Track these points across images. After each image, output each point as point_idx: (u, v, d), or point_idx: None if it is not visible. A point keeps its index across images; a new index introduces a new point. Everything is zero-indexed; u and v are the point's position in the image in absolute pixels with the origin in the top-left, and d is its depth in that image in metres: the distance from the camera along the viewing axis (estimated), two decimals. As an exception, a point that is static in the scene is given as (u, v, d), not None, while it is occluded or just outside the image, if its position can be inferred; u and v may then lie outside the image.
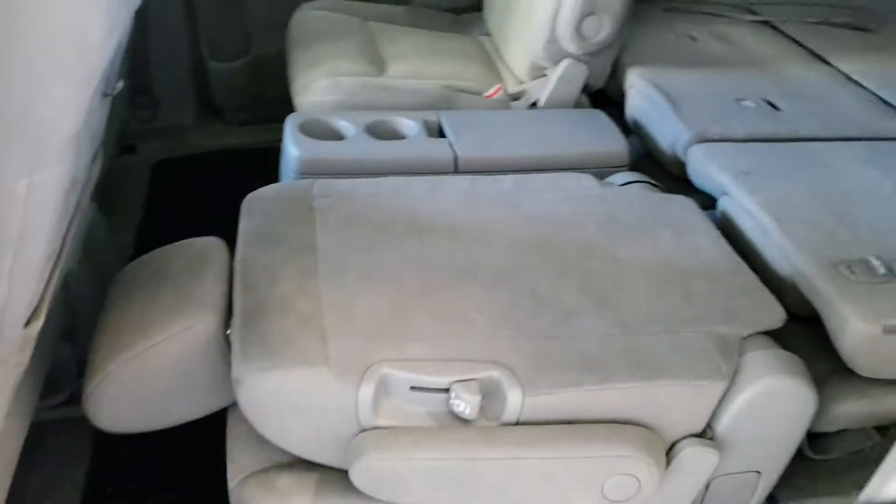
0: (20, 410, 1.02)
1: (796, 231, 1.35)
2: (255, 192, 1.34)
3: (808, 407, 1.12)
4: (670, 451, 1.09)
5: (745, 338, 1.14)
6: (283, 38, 2.16)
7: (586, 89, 1.91)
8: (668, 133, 1.72)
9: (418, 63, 1.94)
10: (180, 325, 1.07)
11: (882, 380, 1.24)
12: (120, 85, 1.13)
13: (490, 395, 1.02)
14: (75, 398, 1.15)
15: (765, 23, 2.27)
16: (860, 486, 1.33)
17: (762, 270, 1.32)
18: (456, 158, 1.58)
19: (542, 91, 1.87)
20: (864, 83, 1.95)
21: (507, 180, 1.44)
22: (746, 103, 1.79)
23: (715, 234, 1.35)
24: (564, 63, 1.82)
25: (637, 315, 1.15)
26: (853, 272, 1.26)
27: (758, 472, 1.18)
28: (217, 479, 1.12)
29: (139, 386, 1.08)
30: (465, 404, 1.01)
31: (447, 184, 1.41)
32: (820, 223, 1.37)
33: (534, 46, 1.84)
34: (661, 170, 1.78)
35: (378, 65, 1.92)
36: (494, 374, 1.02)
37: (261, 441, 1.07)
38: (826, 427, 1.25)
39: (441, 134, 1.68)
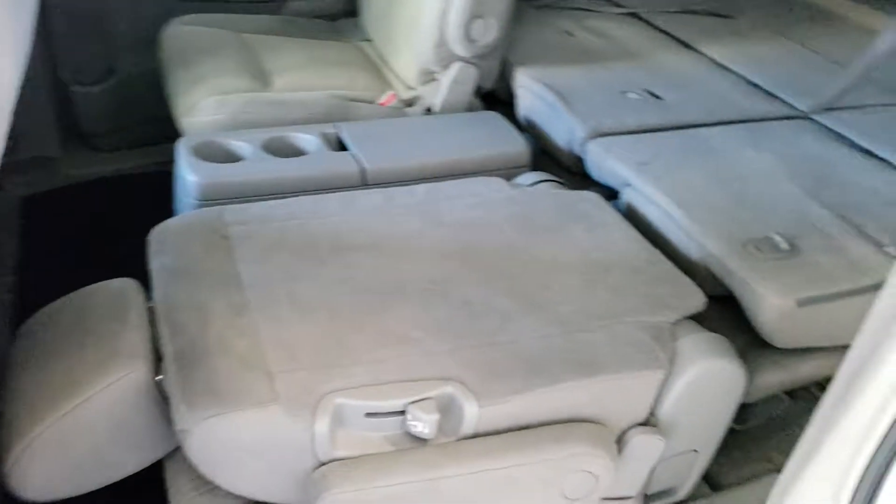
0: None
1: (702, 215, 1.41)
2: (160, 225, 1.26)
3: (740, 383, 1.18)
4: (619, 442, 1.12)
5: (673, 324, 1.18)
6: (151, 56, 2.05)
7: (477, 91, 1.92)
8: (563, 130, 1.76)
9: (304, 74, 1.90)
10: (111, 377, 1.00)
11: (794, 349, 1.32)
12: None
13: (446, 410, 1.01)
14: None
15: (632, 14, 2.37)
16: (780, 449, 1.42)
17: (672, 256, 1.38)
18: (363, 171, 1.56)
19: (436, 96, 1.87)
20: (732, 67, 2.07)
21: (420, 190, 1.43)
22: (631, 95, 1.86)
23: (625, 226, 1.40)
24: (455, 67, 1.83)
25: (570, 313, 1.17)
26: (759, 250, 1.33)
27: (695, 450, 1.23)
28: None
29: (69, 448, 0.99)
30: (422, 424, 0.99)
31: (361, 199, 1.39)
32: (722, 206, 1.45)
33: (423, 51, 1.83)
34: (557, 166, 1.82)
35: (263, 79, 1.85)
36: (448, 389, 1.01)
37: (209, 489, 1.02)
38: (748, 399, 1.32)
39: (342, 146, 1.64)
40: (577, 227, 1.36)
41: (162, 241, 1.23)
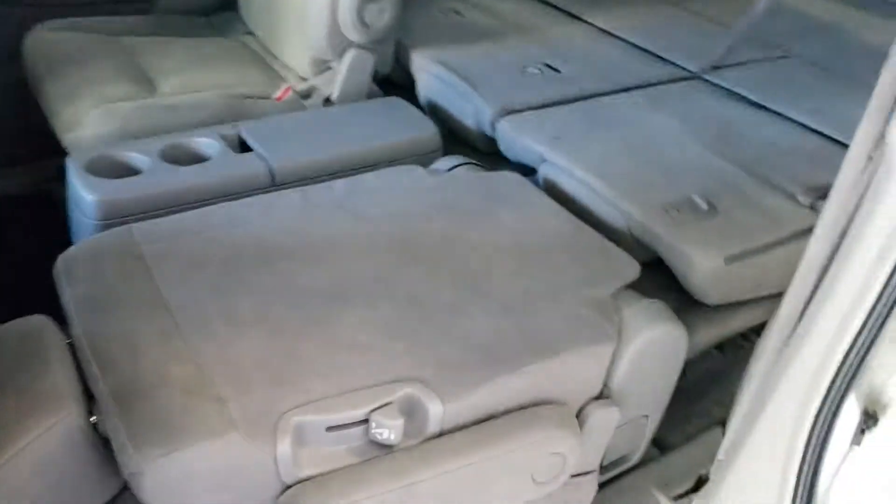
0: None
1: (621, 184, 1.43)
2: (66, 253, 1.16)
3: (683, 345, 1.20)
4: (578, 418, 1.12)
5: (613, 295, 1.19)
6: (9, 68, 1.88)
7: (374, 77, 1.87)
8: (469, 111, 1.74)
9: (190, 75, 1.79)
10: (41, 426, 0.90)
11: (723, 305, 1.36)
12: None
13: (409, 413, 0.98)
14: None
15: (515, -12, 2.37)
16: (718, 402, 1.46)
17: (598, 227, 1.38)
18: (271, 171, 1.49)
19: (333, 85, 1.81)
20: (621, 35, 2.11)
21: (338, 185, 1.38)
22: (530, 70, 1.86)
23: (549, 203, 1.39)
24: (350, 53, 1.77)
25: (515, 297, 1.15)
26: (681, 212, 1.36)
27: (646, 416, 1.25)
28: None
29: (3, 512, 0.90)
30: (388, 431, 0.95)
31: (277, 201, 1.32)
32: (638, 173, 1.47)
33: (315, 40, 1.76)
34: (464, 147, 1.80)
35: (146, 84, 1.74)
36: (409, 391, 0.98)
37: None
38: (686, 357, 1.35)
39: (244, 147, 1.56)
40: (504, 209, 1.35)
41: (71, 270, 1.13)
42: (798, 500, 1.07)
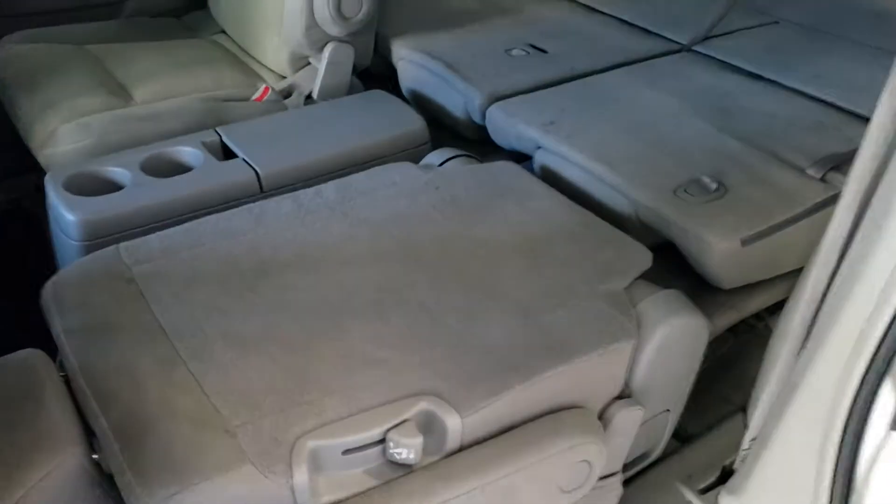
0: None
1: (625, 168, 1.38)
2: (53, 280, 1.10)
3: (704, 335, 1.15)
4: (600, 420, 1.08)
5: (628, 288, 1.14)
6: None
7: (354, 70, 1.81)
8: (456, 99, 1.68)
9: (165, 80, 1.72)
10: (41, 469, 0.84)
11: (738, 288, 1.32)
12: None
13: (427, 429, 0.93)
14: None
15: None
16: (735, 387, 1.42)
17: (602, 214, 1.33)
18: (259, 177, 1.42)
19: (313, 81, 1.75)
20: (604, 10, 2.05)
21: (330, 189, 1.31)
22: (516, 52, 1.80)
23: (551, 192, 1.34)
24: (329, 47, 1.71)
25: (527, 297, 1.10)
26: (691, 194, 1.31)
27: (668, 410, 1.20)
28: None
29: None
30: (406, 450, 0.90)
31: (269, 209, 1.26)
32: (640, 155, 1.42)
33: (292, 36, 1.70)
34: (452, 136, 1.74)
35: (121, 93, 1.67)
36: (425, 406, 0.93)
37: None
38: (703, 344, 1.31)
39: (228, 153, 1.50)
40: (505, 202, 1.30)
41: (60, 298, 1.06)
42: (836, 487, 1.03)
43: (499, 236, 1.22)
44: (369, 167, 1.41)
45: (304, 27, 1.66)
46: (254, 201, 1.32)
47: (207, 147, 1.47)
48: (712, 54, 1.84)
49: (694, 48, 1.88)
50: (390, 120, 1.60)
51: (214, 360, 0.97)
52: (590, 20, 2.00)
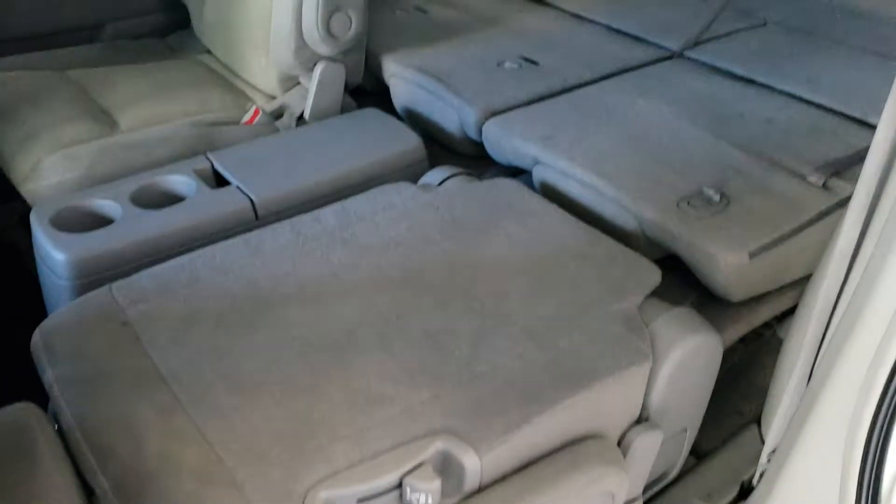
0: None
1: (626, 182, 1.35)
2: (43, 326, 1.06)
3: (719, 353, 1.13)
4: (620, 447, 1.05)
5: (640, 307, 1.11)
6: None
7: (345, 88, 1.77)
8: (451, 115, 1.65)
9: (151, 105, 1.68)
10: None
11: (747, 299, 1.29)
12: None
13: (444, 470, 0.90)
14: None
15: (477, -22, 2.27)
16: (747, 398, 1.40)
17: (604, 229, 1.31)
18: (253, 205, 1.39)
19: (304, 101, 1.71)
20: (592, 17, 2.03)
21: (329, 215, 1.28)
22: (508, 65, 1.78)
23: (553, 209, 1.31)
24: (320, 67, 1.67)
25: (537, 320, 1.07)
26: (695, 207, 1.29)
27: (685, 429, 1.18)
28: None
29: None
30: (424, 495, 0.87)
31: (266, 239, 1.22)
32: (640, 167, 1.39)
33: (281, 56, 1.66)
34: (447, 152, 1.72)
35: (106, 120, 1.62)
36: (441, 446, 0.89)
37: None
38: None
39: (220, 180, 1.46)
40: (508, 221, 1.27)
41: (51, 345, 1.02)
42: (861, 501, 1.01)
43: (503, 257, 1.19)
44: (366, 188, 1.38)
45: (294, 47, 1.63)
46: (249, 229, 1.29)
47: (199, 174, 1.44)
48: (704, 59, 1.82)
49: (685, 54, 1.86)
50: (386, 139, 1.56)
51: (216, 405, 0.93)
52: (578, 29, 1.98)
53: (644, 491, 1.20)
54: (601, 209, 1.36)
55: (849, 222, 0.99)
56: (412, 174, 1.53)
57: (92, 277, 1.25)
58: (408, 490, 0.87)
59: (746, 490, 1.25)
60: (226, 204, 1.37)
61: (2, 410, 0.95)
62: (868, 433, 0.96)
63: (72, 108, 1.63)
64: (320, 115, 1.70)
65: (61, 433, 0.94)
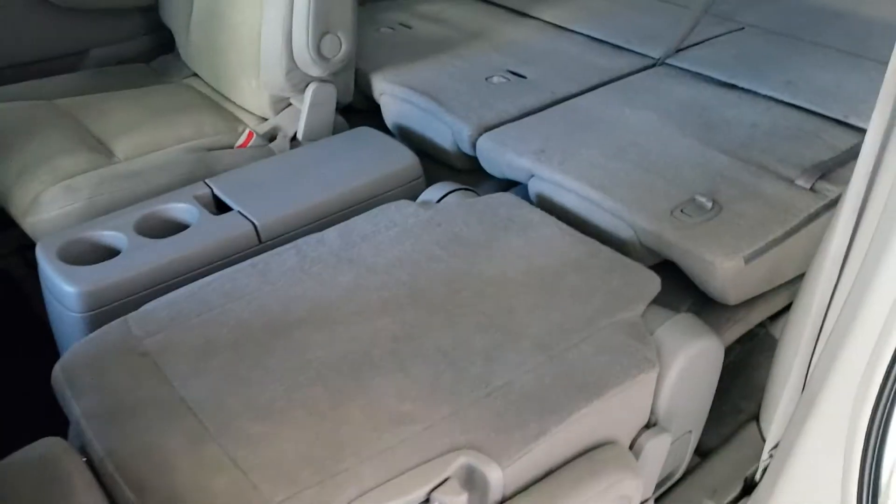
0: None
1: (621, 192, 1.39)
2: (63, 361, 1.07)
3: (720, 355, 1.17)
4: (632, 451, 1.08)
5: (643, 315, 1.15)
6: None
7: (336, 107, 1.80)
8: (444, 131, 1.69)
9: (145, 132, 1.69)
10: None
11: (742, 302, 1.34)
12: None
13: (469, 484, 0.93)
14: None
15: (457, -9, 2.31)
16: (746, 396, 1.44)
17: (600, 239, 1.34)
18: (256, 229, 1.41)
19: (296, 122, 1.73)
20: (575, 28, 2.07)
21: (332, 236, 1.31)
22: (496, 80, 1.81)
23: (551, 221, 1.35)
24: (311, 88, 1.70)
25: (546, 332, 1.11)
26: (688, 215, 1.33)
27: (690, 431, 1.22)
28: None
29: None
30: (452, 509, 0.90)
31: (273, 264, 1.25)
32: (633, 178, 1.43)
33: (272, 79, 1.68)
34: (439, 166, 1.75)
35: (101, 150, 1.64)
36: (464, 461, 0.93)
37: None
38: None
39: (221, 205, 1.48)
40: (508, 235, 1.30)
41: (73, 380, 1.04)
42: (863, 493, 1.05)
43: (506, 271, 1.23)
44: (366, 207, 1.41)
45: (285, 70, 1.65)
46: (254, 254, 1.31)
47: (200, 201, 1.45)
48: (686, 66, 1.87)
49: (667, 62, 1.90)
50: (381, 157, 1.59)
51: (244, 433, 0.95)
52: (561, 40, 2.02)
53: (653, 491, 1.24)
54: (597, 219, 1.40)
55: (841, 223, 1.04)
56: (410, 190, 1.56)
57: (103, 308, 1.27)
58: (436, 505, 0.90)
59: (750, 485, 1.29)
60: (229, 229, 1.39)
61: (30, 447, 0.97)
62: (868, 425, 1.01)
63: (65, 139, 1.64)
64: (313, 136, 1.73)
65: (91, 465, 0.96)
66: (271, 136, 1.74)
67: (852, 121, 1.59)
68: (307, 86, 1.70)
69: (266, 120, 1.78)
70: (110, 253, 1.35)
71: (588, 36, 2.03)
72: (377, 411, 0.98)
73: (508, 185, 1.64)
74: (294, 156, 1.62)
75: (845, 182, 1.37)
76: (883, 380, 0.98)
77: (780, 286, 1.38)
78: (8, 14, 1.88)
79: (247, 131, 1.71)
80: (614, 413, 1.04)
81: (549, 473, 0.99)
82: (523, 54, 1.92)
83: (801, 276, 1.26)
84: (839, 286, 1.09)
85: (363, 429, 0.96)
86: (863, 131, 1.53)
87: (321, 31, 1.61)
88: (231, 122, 1.78)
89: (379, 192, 1.54)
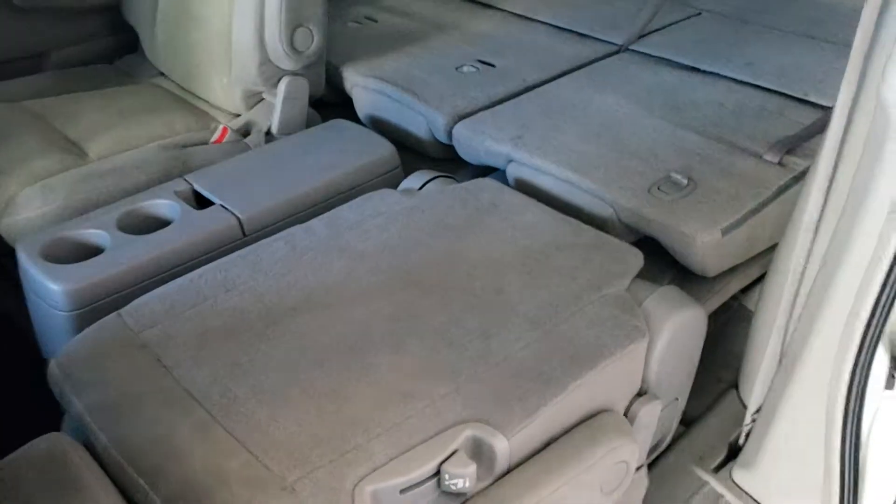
0: None
1: (599, 174, 1.43)
2: (59, 358, 1.07)
3: (704, 324, 1.21)
4: (626, 418, 1.12)
5: (628, 289, 1.19)
6: None
7: (308, 101, 1.81)
8: (419, 121, 1.71)
9: (117, 132, 1.68)
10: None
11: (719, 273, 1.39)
12: None
13: (477, 455, 0.95)
14: None
15: (421, -16, 2.33)
16: (725, 365, 1.49)
17: (583, 219, 1.38)
18: (240, 222, 1.41)
19: (270, 117, 1.74)
20: (539, 18, 2.10)
21: (320, 225, 1.32)
22: (466, 69, 1.84)
23: (532, 204, 1.38)
24: (284, 82, 1.71)
25: (536, 309, 1.13)
26: (664, 192, 1.37)
27: (677, 398, 1.26)
28: None
29: None
30: (462, 480, 0.92)
31: (264, 254, 1.25)
32: (610, 159, 1.47)
33: (245, 74, 1.69)
34: (414, 156, 1.76)
35: (74, 150, 1.62)
36: (471, 433, 0.95)
37: None
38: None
39: (202, 200, 1.48)
40: (492, 219, 1.33)
41: (72, 375, 1.04)
42: (846, 448, 1.10)
43: (493, 253, 1.25)
44: (347, 198, 1.42)
45: (258, 64, 1.66)
46: (238, 246, 1.32)
47: (181, 196, 1.45)
48: (649, 52, 1.92)
49: (630, 48, 1.95)
50: (359, 148, 1.60)
51: (250, 417, 0.96)
52: (527, 30, 2.05)
53: (643, 460, 1.28)
54: (576, 200, 1.43)
55: (814, 192, 1.09)
56: (389, 180, 1.58)
57: (90, 306, 1.26)
58: (446, 476, 0.92)
59: (734, 450, 1.34)
60: (213, 223, 1.40)
61: (33, 444, 0.97)
62: (849, 381, 1.06)
63: (37, 140, 1.62)
64: (288, 130, 1.74)
65: (97, 458, 0.96)
66: (245, 132, 1.74)
67: (812, 98, 1.65)
68: (279, 80, 1.70)
69: (238, 116, 1.78)
70: (93, 251, 1.34)
71: (552, 25, 2.07)
72: (380, 390, 1.00)
73: (484, 171, 1.67)
74: (272, 149, 1.63)
75: (811, 156, 1.43)
76: (861, 337, 1.03)
77: (752, 258, 1.43)
78: (-32, 16, 1.85)
79: (221, 127, 1.71)
80: (609, 382, 1.07)
81: (550, 442, 1.02)
82: (491, 44, 1.95)
83: (771, 248, 1.32)
84: (813, 252, 1.14)
85: (368, 407, 0.98)
86: (823, 108, 1.61)
87: (294, 24, 1.62)
88: (203, 119, 1.78)
89: (359, 183, 1.55)
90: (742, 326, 1.58)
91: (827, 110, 1.60)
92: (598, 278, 1.19)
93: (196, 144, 1.69)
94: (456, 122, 1.62)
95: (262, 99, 1.77)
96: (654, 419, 1.15)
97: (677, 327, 1.15)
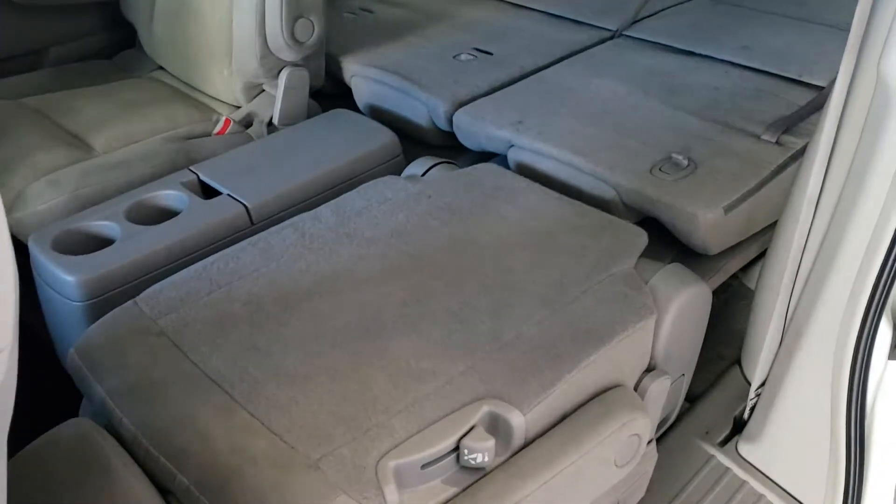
0: None
1: (601, 156, 1.45)
2: (78, 346, 1.08)
3: (709, 301, 1.24)
4: (637, 393, 1.14)
5: (635, 268, 1.21)
6: None
7: (308, 91, 1.82)
8: (419, 109, 1.72)
9: (120, 126, 1.69)
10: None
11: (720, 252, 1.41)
12: None
13: (494, 430, 0.97)
14: None
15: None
16: (726, 343, 1.52)
17: (586, 201, 1.40)
18: (248, 211, 1.43)
19: (271, 108, 1.75)
20: (532, 6, 2.12)
21: (327, 212, 1.34)
22: (464, 57, 1.86)
23: (537, 187, 1.40)
24: (285, 73, 1.72)
25: (546, 289, 1.16)
26: (666, 173, 1.40)
27: (683, 374, 1.28)
28: None
29: None
30: (481, 454, 0.95)
31: (274, 241, 1.27)
32: (611, 142, 1.49)
33: (246, 66, 1.70)
34: (414, 144, 1.78)
35: (79, 144, 1.63)
36: (488, 409, 0.97)
37: None
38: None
39: (209, 190, 1.49)
40: (497, 203, 1.35)
41: (92, 362, 1.05)
42: (852, 419, 1.13)
43: (501, 236, 1.27)
44: (352, 186, 1.44)
45: (259, 56, 1.67)
46: (246, 235, 1.34)
47: (188, 187, 1.47)
48: (643, 37, 1.94)
49: (624, 33, 1.97)
50: (361, 137, 1.62)
51: (272, 399, 0.98)
52: (521, 17, 2.07)
53: (651, 436, 1.30)
54: (579, 183, 1.46)
55: (815, 169, 1.11)
56: (391, 168, 1.60)
57: (103, 296, 1.28)
58: (465, 451, 0.94)
59: (739, 424, 1.37)
60: (222, 212, 1.41)
61: (59, 429, 0.98)
62: (854, 352, 1.09)
63: (41, 136, 1.63)
64: (289, 120, 1.75)
65: (122, 442, 0.97)
66: (247, 123, 1.76)
67: (806, 79, 1.68)
68: (280, 71, 1.72)
69: (239, 108, 1.79)
70: (103, 242, 1.35)
71: (546, 13, 2.09)
72: (398, 370, 1.02)
73: (484, 157, 1.69)
74: (275, 139, 1.64)
75: (807, 135, 1.46)
76: (864, 313, 1.06)
77: (751, 238, 1.46)
78: (-35, 14, 1.86)
79: (223, 119, 1.72)
80: (620, 358, 1.10)
81: (564, 417, 1.04)
82: (486, 32, 1.97)
83: (770, 226, 1.35)
84: (813, 228, 1.17)
85: (387, 387, 1.00)
86: (817, 88, 1.63)
87: (294, 15, 1.63)
88: (204, 111, 1.79)
89: (363, 171, 1.57)
90: (742, 304, 1.61)
91: (821, 90, 1.63)
92: (605, 257, 1.22)
93: (199, 136, 1.70)
94: (456, 109, 1.64)
95: (263, 91, 1.78)
96: (663, 394, 1.17)
97: (684, 304, 1.17)
